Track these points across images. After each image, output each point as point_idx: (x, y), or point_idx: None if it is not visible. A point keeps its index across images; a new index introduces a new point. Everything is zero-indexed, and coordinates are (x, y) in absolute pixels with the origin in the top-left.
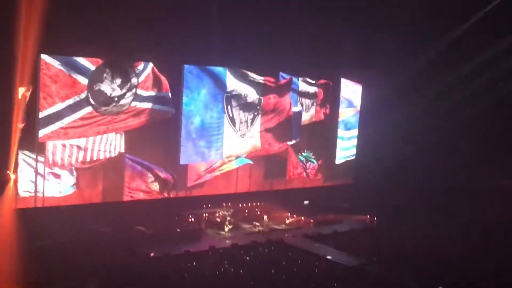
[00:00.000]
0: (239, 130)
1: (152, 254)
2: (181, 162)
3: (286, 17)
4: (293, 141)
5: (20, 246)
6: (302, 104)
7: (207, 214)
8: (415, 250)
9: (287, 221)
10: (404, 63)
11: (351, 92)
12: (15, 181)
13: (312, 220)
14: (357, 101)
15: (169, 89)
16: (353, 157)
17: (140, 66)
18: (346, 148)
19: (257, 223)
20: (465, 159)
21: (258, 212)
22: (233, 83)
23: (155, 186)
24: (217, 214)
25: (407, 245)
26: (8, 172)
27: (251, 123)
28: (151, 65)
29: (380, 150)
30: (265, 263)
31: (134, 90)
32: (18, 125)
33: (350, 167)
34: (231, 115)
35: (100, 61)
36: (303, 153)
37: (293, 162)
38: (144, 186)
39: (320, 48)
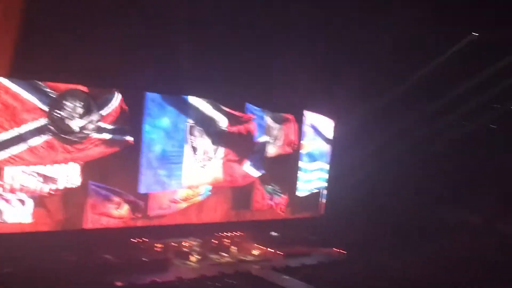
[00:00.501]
0: (201, 161)
1: (117, 284)
2: (141, 191)
3: (256, 48)
4: (258, 174)
5: None
6: (268, 136)
7: (174, 244)
8: (383, 283)
9: (255, 253)
10: (375, 96)
11: (316, 124)
12: None
13: (280, 252)
14: (323, 132)
15: (130, 118)
16: (319, 190)
17: (106, 96)
18: (309, 180)
19: (225, 254)
20: (435, 193)
21: (227, 243)
22: (196, 112)
23: (122, 212)
24: (184, 244)
25: (375, 278)
26: None
27: (214, 154)
28: (119, 97)
29: (351, 183)
30: None
31: (96, 123)
32: None
33: (317, 199)
34: (193, 145)
35: (62, 88)
36: (269, 186)
37: (258, 193)
38: (109, 213)
39: (287, 80)
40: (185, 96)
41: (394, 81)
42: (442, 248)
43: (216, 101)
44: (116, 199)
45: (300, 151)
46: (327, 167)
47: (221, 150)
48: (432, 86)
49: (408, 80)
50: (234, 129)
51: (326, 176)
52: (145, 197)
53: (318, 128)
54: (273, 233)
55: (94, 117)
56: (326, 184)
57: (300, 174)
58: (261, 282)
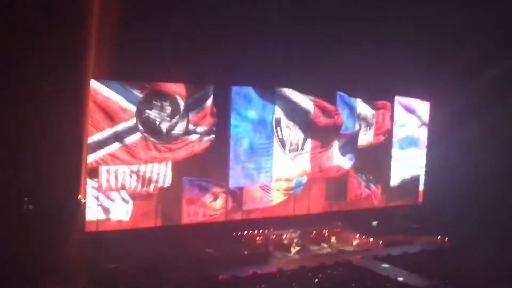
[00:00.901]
0: (289, 152)
1: (220, 277)
2: (230, 186)
3: (344, 35)
4: (349, 164)
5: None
6: (360, 125)
7: (274, 236)
8: (488, 272)
9: (355, 243)
10: (474, 78)
11: (407, 110)
12: (84, 206)
13: (381, 241)
14: (417, 117)
15: (218, 115)
16: (415, 177)
17: (195, 96)
18: (402, 168)
19: (324, 245)
20: None
21: (326, 234)
22: (283, 104)
23: (217, 204)
24: (284, 236)
25: (480, 266)
26: (79, 197)
27: (302, 146)
28: (209, 97)
29: (450, 169)
30: (334, 285)
31: (185, 124)
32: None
33: (415, 187)
34: (280, 137)
35: (148, 88)
36: (362, 176)
37: (353, 183)
38: (205, 205)
39: (376, 66)
40: (270, 88)
41: (495, 64)
42: None
43: (303, 91)
44: (211, 191)
45: (392, 139)
46: (421, 153)
47: (309, 142)
48: None
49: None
50: (322, 120)
51: (421, 162)
52: (240, 190)
53: (412, 113)
54: (374, 223)
55: (181, 116)
56: (422, 171)
57: (393, 162)
58: (362, 272)
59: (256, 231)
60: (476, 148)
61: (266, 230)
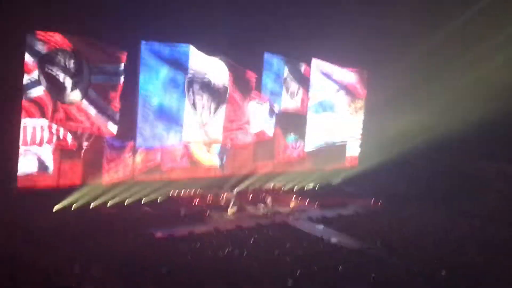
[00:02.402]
0: (201, 116)
1: (157, 235)
2: (138, 146)
3: None
4: (272, 130)
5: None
6: (287, 90)
7: (211, 197)
8: (418, 235)
9: (291, 205)
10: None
11: (324, 74)
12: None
13: (316, 203)
14: (330, 84)
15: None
16: (337, 143)
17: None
18: (316, 134)
19: (261, 206)
20: (469, 144)
21: (263, 195)
22: (196, 64)
23: (137, 159)
24: (221, 197)
25: (411, 229)
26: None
27: (214, 112)
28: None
29: (387, 135)
30: (269, 245)
31: (86, 83)
32: None
33: (343, 152)
34: (192, 99)
35: (52, 42)
36: (291, 135)
37: (280, 145)
38: (124, 166)
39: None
40: (185, 46)
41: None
42: (477, 198)
43: (219, 52)
44: (128, 151)
45: (308, 102)
46: (338, 118)
47: (222, 109)
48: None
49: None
50: (236, 87)
51: (340, 128)
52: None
53: (328, 77)
54: (309, 185)
55: (84, 76)
56: (347, 137)
57: (308, 126)
58: (297, 233)
59: (193, 191)
60: (410, 114)
61: (203, 191)
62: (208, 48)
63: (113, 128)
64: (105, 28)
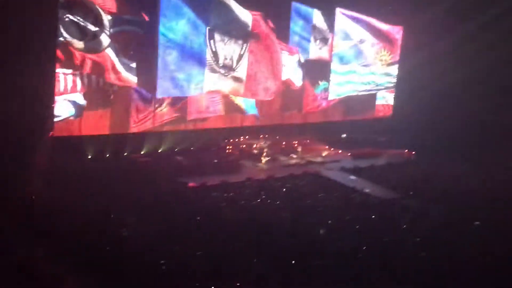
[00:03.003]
0: (223, 67)
1: (190, 184)
2: (158, 95)
3: None
4: (300, 81)
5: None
6: (315, 39)
7: (244, 146)
8: (453, 186)
9: (324, 154)
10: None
11: (347, 23)
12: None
13: (349, 154)
14: (354, 33)
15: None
16: (353, 93)
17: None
18: (340, 83)
19: (294, 156)
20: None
21: (295, 145)
22: (218, 14)
23: (164, 110)
24: (254, 146)
25: (445, 180)
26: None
27: (237, 63)
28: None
29: (419, 84)
30: (301, 195)
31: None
32: None
33: (372, 102)
34: (214, 50)
35: None
36: (320, 83)
37: (309, 95)
38: (153, 115)
39: None
40: None
41: None
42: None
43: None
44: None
45: (332, 52)
46: (365, 68)
47: (245, 59)
48: None
49: None
50: (260, 37)
51: (366, 78)
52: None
53: (349, 28)
54: (343, 135)
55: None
56: (376, 88)
57: (332, 76)
58: (329, 182)
59: (225, 140)
60: (446, 66)
61: (236, 140)
62: None
63: (134, 78)
64: None
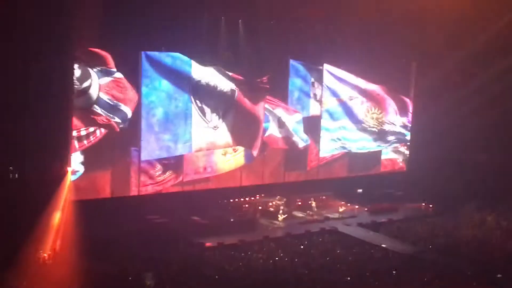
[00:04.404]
0: (210, 121)
1: (207, 244)
2: (143, 158)
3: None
4: (303, 143)
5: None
6: (315, 95)
7: (260, 204)
8: (472, 239)
9: (340, 210)
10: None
11: (336, 80)
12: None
13: (366, 209)
14: (342, 90)
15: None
16: (344, 150)
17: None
18: (333, 139)
19: (310, 212)
20: None
21: (311, 202)
22: (200, 72)
23: (166, 175)
24: (270, 204)
25: (464, 233)
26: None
27: (224, 115)
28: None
29: (434, 137)
30: (319, 252)
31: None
32: None
33: (377, 158)
34: (199, 105)
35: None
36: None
37: (313, 152)
38: (153, 179)
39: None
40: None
41: (476, 32)
42: None
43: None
44: (157, 165)
45: (321, 108)
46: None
47: (232, 112)
48: None
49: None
50: (245, 91)
51: (351, 135)
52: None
53: (343, 82)
54: (359, 190)
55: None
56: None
57: (322, 133)
58: (347, 238)
59: (242, 199)
60: (461, 117)
61: (252, 198)
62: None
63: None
64: (105, 39)
